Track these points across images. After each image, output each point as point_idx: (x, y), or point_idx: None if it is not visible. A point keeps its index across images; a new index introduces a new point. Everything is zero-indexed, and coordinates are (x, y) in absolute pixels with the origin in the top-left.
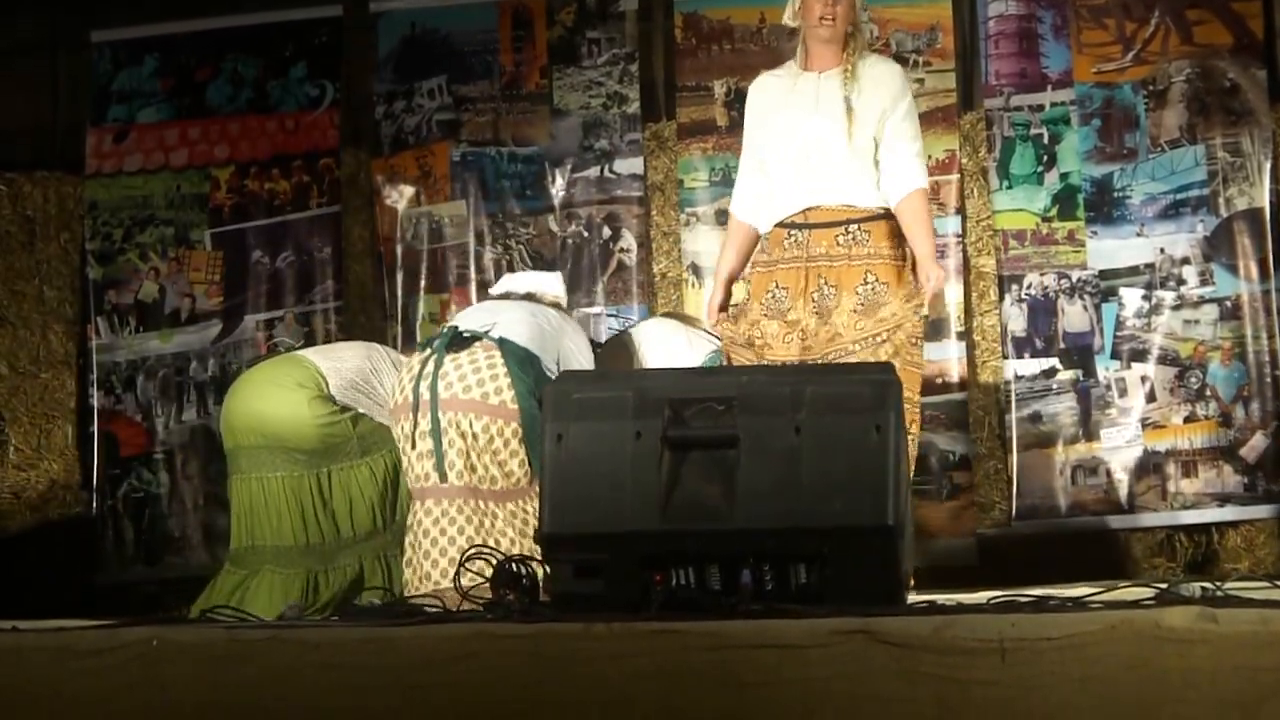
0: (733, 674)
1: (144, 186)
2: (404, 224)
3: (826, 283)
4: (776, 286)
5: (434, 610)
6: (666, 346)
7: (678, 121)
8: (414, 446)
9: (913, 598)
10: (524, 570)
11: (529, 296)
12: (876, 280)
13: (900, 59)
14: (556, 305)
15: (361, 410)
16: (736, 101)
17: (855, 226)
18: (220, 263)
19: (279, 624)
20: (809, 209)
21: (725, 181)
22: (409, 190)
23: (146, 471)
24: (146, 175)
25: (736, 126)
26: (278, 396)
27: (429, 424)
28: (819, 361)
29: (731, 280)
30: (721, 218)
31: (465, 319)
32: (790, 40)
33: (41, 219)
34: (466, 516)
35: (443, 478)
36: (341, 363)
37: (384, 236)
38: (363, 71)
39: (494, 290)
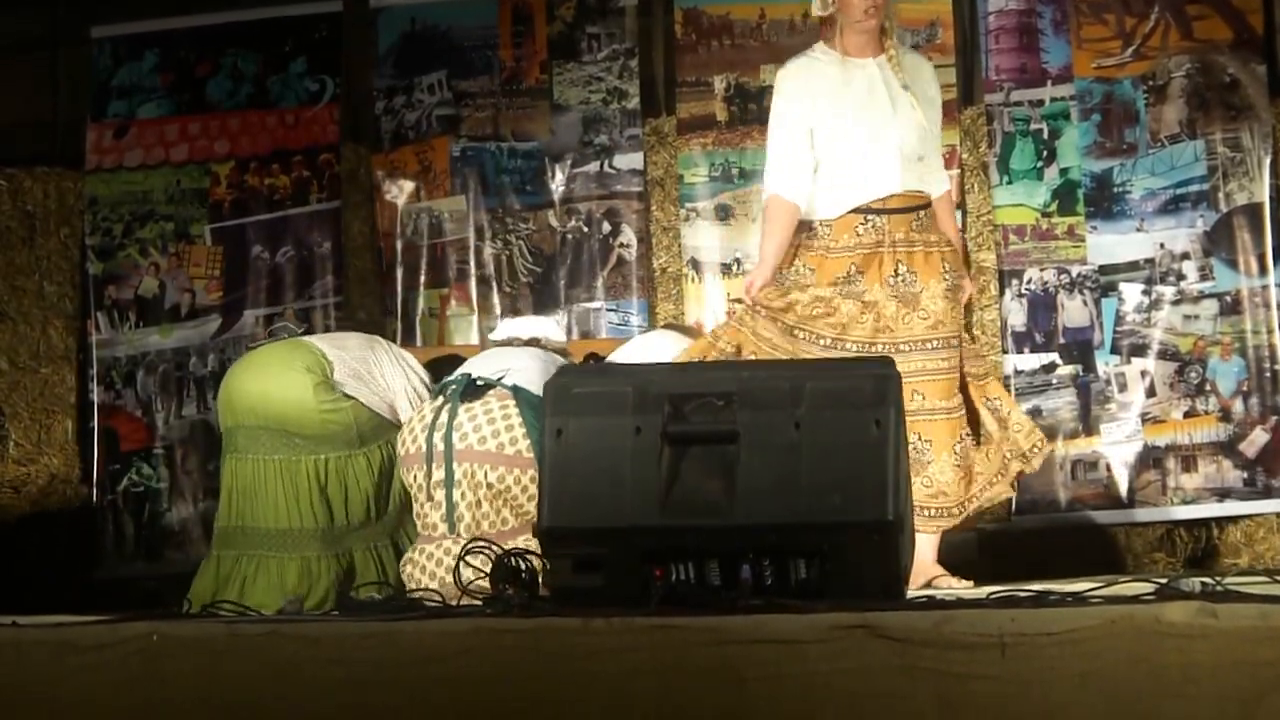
0: (732, 669)
1: (144, 182)
2: (404, 219)
3: (908, 268)
4: (853, 269)
5: (434, 605)
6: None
7: (678, 117)
8: (430, 498)
9: (912, 592)
10: (523, 565)
11: (532, 342)
12: (952, 268)
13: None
14: (561, 351)
15: (362, 400)
16: (736, 97)
17: (923, 213)
18: (220, 258)
19: (279, 619)
20: (889, 195)
21: (725, 177)
22: (409, 185)
23: (146, 466)
24: (147, 170)
25: (737, 122)
26: (283, 379)
27: (443, 475)
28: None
29: (779, 262)
30: (721, 212)
31: (477, 366)
32: (791, 35)
33: (42, 214)
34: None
35: (451, 528)
36: (345, 351)
37: (384, 232)
38: (363, 67)
39: (495, 336)
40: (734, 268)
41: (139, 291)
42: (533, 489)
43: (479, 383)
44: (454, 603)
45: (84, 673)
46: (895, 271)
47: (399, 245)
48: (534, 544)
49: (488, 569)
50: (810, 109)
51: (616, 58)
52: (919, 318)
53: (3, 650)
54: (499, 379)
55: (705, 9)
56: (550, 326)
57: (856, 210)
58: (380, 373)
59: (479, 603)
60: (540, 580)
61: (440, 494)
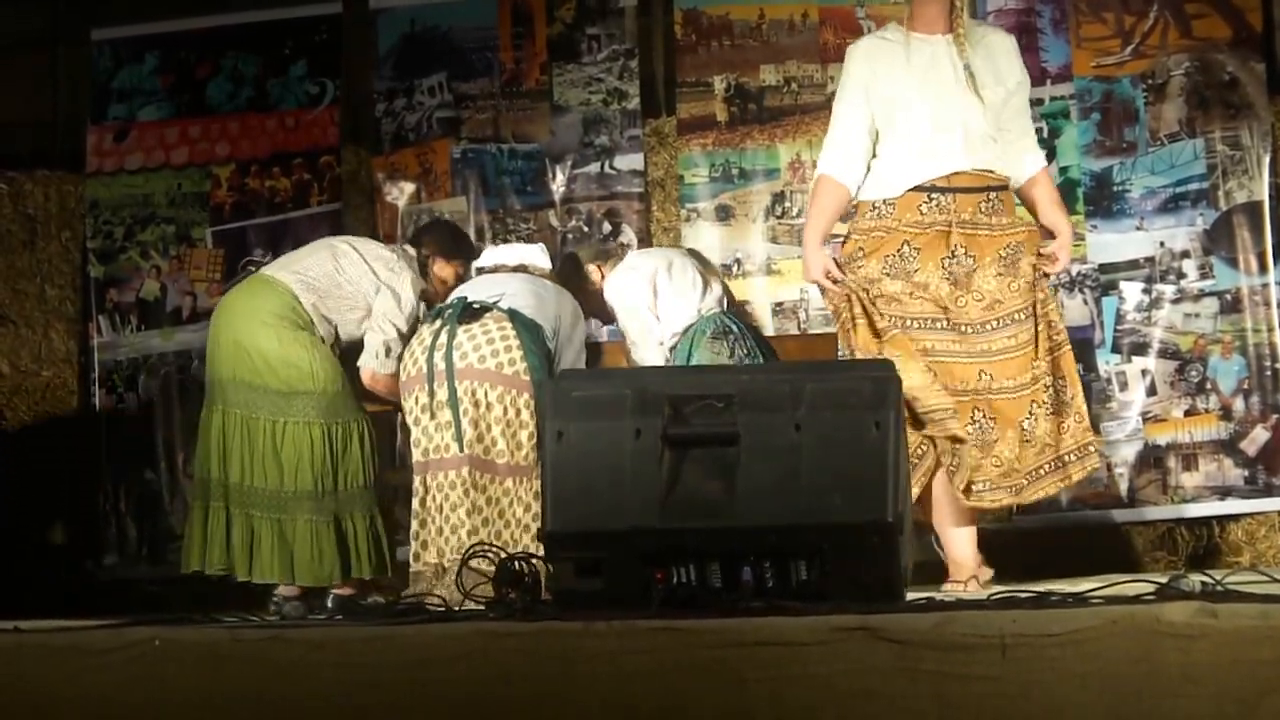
0: (734, 671)
1: (145, 185)
2: (405, 221)
3: (965, 251)
4: (908, 247)
5: (436, 609)
6: (678, 277)
7: (678, 117)
8: (433, 417)
9: (912, 594)
10: (526, 568)
11: (520, 269)
12: (1012, 248)
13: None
14: (547, 276)
15: (335, 319)
16: (736, 97)
17: (994, 194)
18: (221, 261)
19: (282, 623)
20: (953, 174)
21: (725, 177)
22: (409, 187)
23: (149, 470)
24: (147, 173)
25: (737, 122)
26: (260, 333)
27: (446, 395)
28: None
29: (824, 243)
30: (722, 213)
31: (470, 291)
32: (790, 35)
33: (43, 218)
34: (481, 488)
35: (462, 448)
36: (306, 273)
37: (385, 234)
38: (363, 69)
39: (481, 263)
40: (734, 268)
41: (140, 294)
42: (526, 415)
43: (475, 305)
44: (456, 606)
45: (86, 677)
46: (952, 253)
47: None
48: (533, 489)
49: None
50: (871, 85)
51: (616, 59)
52: (974, 299)
53: (5, 655)
54: (495, 302)
55: (705, 9)
56: (536, 253)
57: (919, 189)
58: (345, 276)
59: (481, 606)
60: (542, 584)
61: (445, 414)
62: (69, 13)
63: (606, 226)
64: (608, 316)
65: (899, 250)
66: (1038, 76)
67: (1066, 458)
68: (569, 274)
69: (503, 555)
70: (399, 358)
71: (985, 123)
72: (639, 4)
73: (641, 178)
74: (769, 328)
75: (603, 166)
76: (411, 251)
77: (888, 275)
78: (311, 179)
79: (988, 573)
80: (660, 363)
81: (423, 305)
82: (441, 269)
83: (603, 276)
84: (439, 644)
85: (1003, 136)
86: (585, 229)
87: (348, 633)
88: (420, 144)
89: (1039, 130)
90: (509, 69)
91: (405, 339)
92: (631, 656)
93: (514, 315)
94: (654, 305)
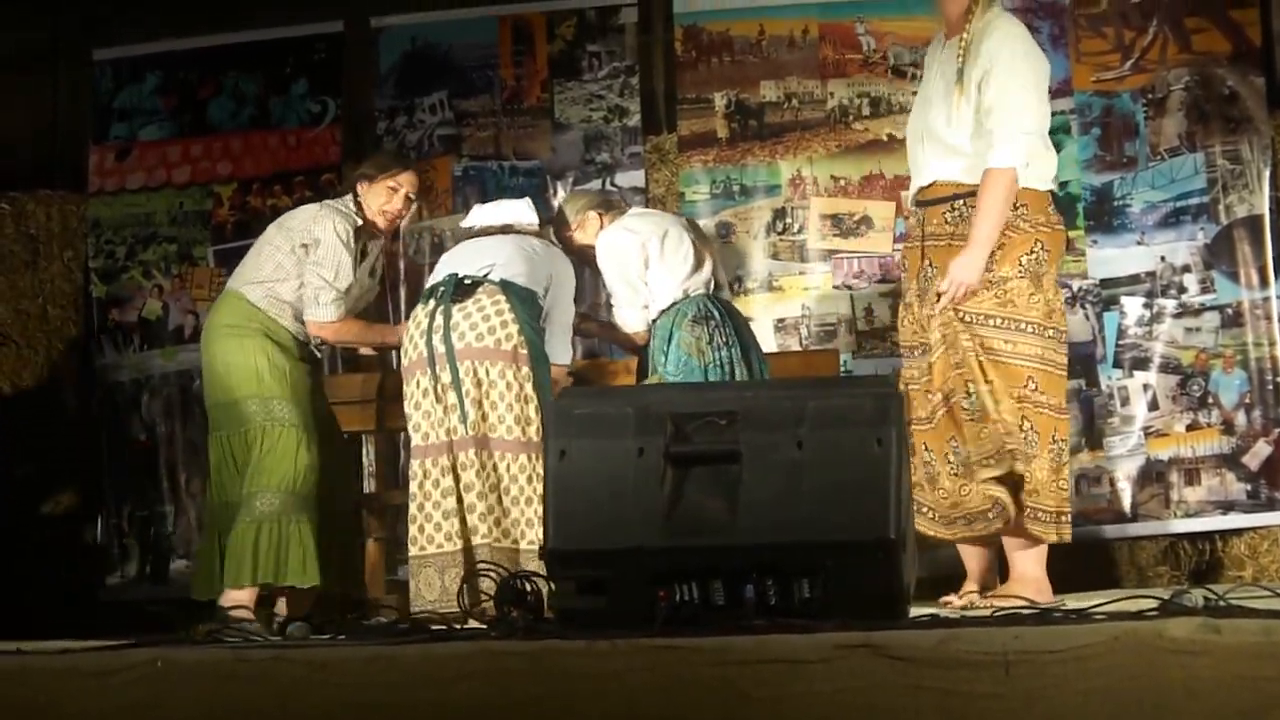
0: (737, 689)
1: (146, 204)
2: (406, 239)
3: (931, 264)
4: (903, 265)
5: (438, 628)
6: (671, 249)
7: (679, 134)
8: (437, 400)
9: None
10: (528, 587)
11: (506, 229)
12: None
13: (898, 72)
14: (535, 233)
15: (288, 299)
16: (737, 113)
17: (961, 203)
18: (223, 280)
19: (284, 644)
20: (927, 185)
21: (726, 194)
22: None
23: (151, 488)
24: (149, 193)
25: (737, 138)
26: (215, 347)
27: (449, 377)
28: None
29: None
30: (723, 230)
31: (460, 262)
32: (790, 51)
33: (44, 237)
34: (489, 468)
35: (467, 430)
36: (246, 269)
37: (387, 252)
38: (364, 87)
39: (466, 223)
40: (736, 285)
41: (142, 314)
42: (529, 389)
43: (467, 281)
44: (459, 625)
45: (89, 699)
46: (922, 268)
47: (401, 265)
48: (536, 466)
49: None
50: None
51: (617, 75)
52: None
53: (8, 677)
54: (486, 274)
55: (705, 26)
56: (522, 210)
57: (914, 203)
58: (270, 253)
59: (484, 625)
60: (545, 602)
61: (451, 396)
62: (70, 33)
63: None
64: (596, 267)
65: (903, 271)
66: None
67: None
68: (567, 216)
69: (506, 573)
70: (342, 302)
71: (957, 130)
72: (639, 21)
73: (643, 194)
74: (770, 344)
75: (604, 183)
76: (337, 203)
77: (903, 301)
78: (314, 197)
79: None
80: (641, 328)
81: (371, 246)
82: (376, 198)
83: (602, 225)
84: (441, 664)
85: (981, 143)
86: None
87: (350, 653)
88: (422, 162)
89: None
90: (510, 86)
91: (345, 282)
92: (635, 675)
93: (507, 286)
94: (643, 272)
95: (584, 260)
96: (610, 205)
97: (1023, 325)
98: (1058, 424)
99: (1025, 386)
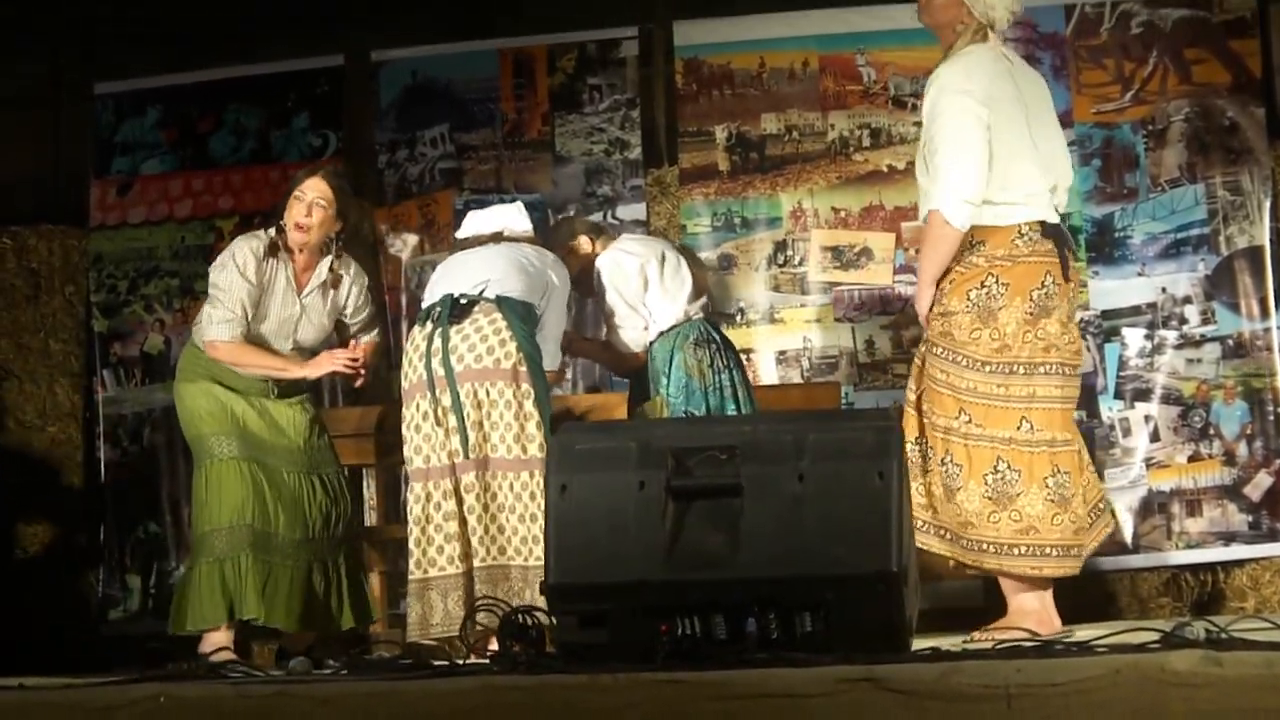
0: None
1: (148, 238)
2: (408, 273)
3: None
4: None
5: (440, 663)
6: (670, 272)
7: (680, 167)
8: (438, 424)
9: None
10: (530, 621)
11: (498, 236)
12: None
13: (899, 103)
14: (528, 240)
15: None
16: (738, 146)
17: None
18: None
19: (286, 679)
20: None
21: (727, 226)
22: (412, 239)
23: (154, 524)
24: (151, 227)
25: (738, 171)
26: (178, 396)
27: (450, 400)
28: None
29: None
30: (724, 262)
31: (453, 279)
32: (791, 84)
33: (46, 272)
34: (490, 492)
35: (466, 454)
36: (202, 313)
37: (389, 286)
38: (365, 121)
39: (461, 234)
40: (738, 317)
41: (144, 348)
42: (530, 406)
43: (463, 300)
44: (461, 659)
45: None
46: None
47: (403, 299)
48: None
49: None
50: None
51: (618, 108)
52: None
53: (10, 712)
54: (481, 292)
55: (705, 58)
56: (513, 216)
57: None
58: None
59: (486, 660)
60: (547, 637)
61: (452, 419)
62: (71, 67)
63: None
64: (587, 289)
65: None
66: None
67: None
68: (558, 240)
69: (508, 607)
70: (234, 324)
71: (921, 170)
72: (640, 54)
73: (644, 227)
74: (772, 376)
75: (605, 216)
76: (262, 229)
77: None
78: None
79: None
80: (639, 348)
81: (283, 266)
82: (289, 212)
83: (593, 249)
84: (443, 698)
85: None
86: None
87: (352, 688)
88: (423, 195)
89: None
90: (511, 120)
91: (233, 303)
92: (637, 709)
93: (502, 302)
94: (643, 294)
95: (579, 287)
96: (599, 230)
97: (958, 358)
98: (1012, 455)
99: (956, 417)
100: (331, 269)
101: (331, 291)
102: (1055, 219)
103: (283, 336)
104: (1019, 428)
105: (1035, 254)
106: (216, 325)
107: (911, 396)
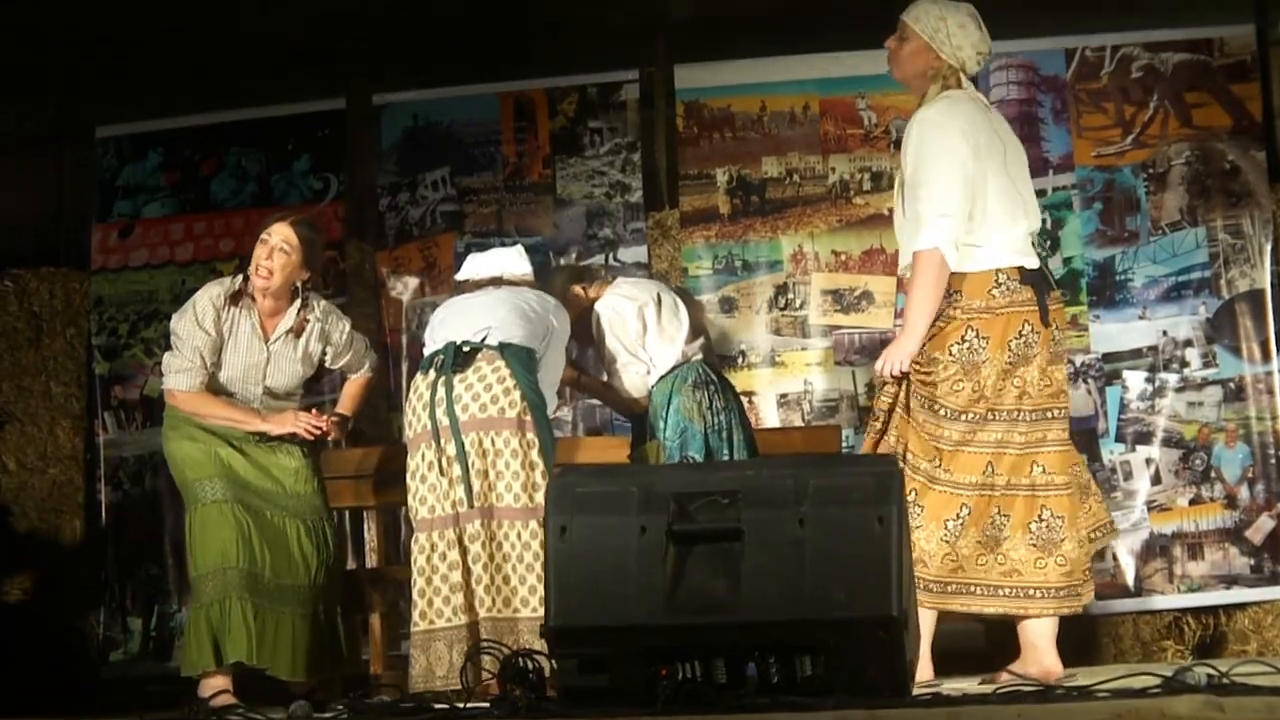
0: None
1: (149, 281)
2: (409, 314)
3: None
4: None
5: (441, 707)
6: (667, 315)
7: (680, 210)
8: (441, 474)
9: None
10: (530, 665)
11: (497, 281)
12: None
13: (899, 146)
14: (527, 283)
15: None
16: (739, 189)
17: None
18: None
19: None
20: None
21: (728, 269)
22: (413, 282)
23: (155, 566)
24: (152, 270)
25: (739, 214)
26: (165, 443)
27: (454, 449)
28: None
29: None
30: (725, 305)
31: (455, 325)
32: (791, 127)
33: (48, 315)
34: (494, 541)
35: (470, 503)
36: None
37: (390, 328)
38: (366, 164)
39: (461, 276)
40: (739, 360)
41: (145, 391)
42: (534, 455)
43: (465, 348)
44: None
45: None
46: None
47: (404, 340)
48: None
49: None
50: None
51: (619, 151)
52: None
53: None
54: (483, 339)
55: (706, 102)
56: (512, 260)
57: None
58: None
59: (486, 705)
60: (547, 681)
61: (456, 469)
62: (73, 111)
63: None
64: (586, 338)
65: None
66: (1039, 167)
67: None
68: (556, 293)
69: (508, 651)
70: (192, 373)
71: (901, 216)
72: (641, 97)
73: (645, 270)
74: (773, 419)
75: (607, 259)
76: (231, 275)
77: None
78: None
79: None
80: (641, 393)
81: (247, 313)
82: (254, 256)
83: (586, 297)
84: None
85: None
86: None
87: None
88: (424, 238)
89: (1042, 220)
90: (512, 163)
91: (190, 352)
92: None
93: (505, 350)
94: (642, 337)
95: (576, 336)
96: (592, 275)
97: (938, 408)
98: (975, 501)
99: (929, 461)
100: (299, 315)
101: (299, 339)
102: (1034, 264)
103: (251, 383)
104: (984, 472)
105: (1013, 304)
106: (175, 374)
107: (878, 429)
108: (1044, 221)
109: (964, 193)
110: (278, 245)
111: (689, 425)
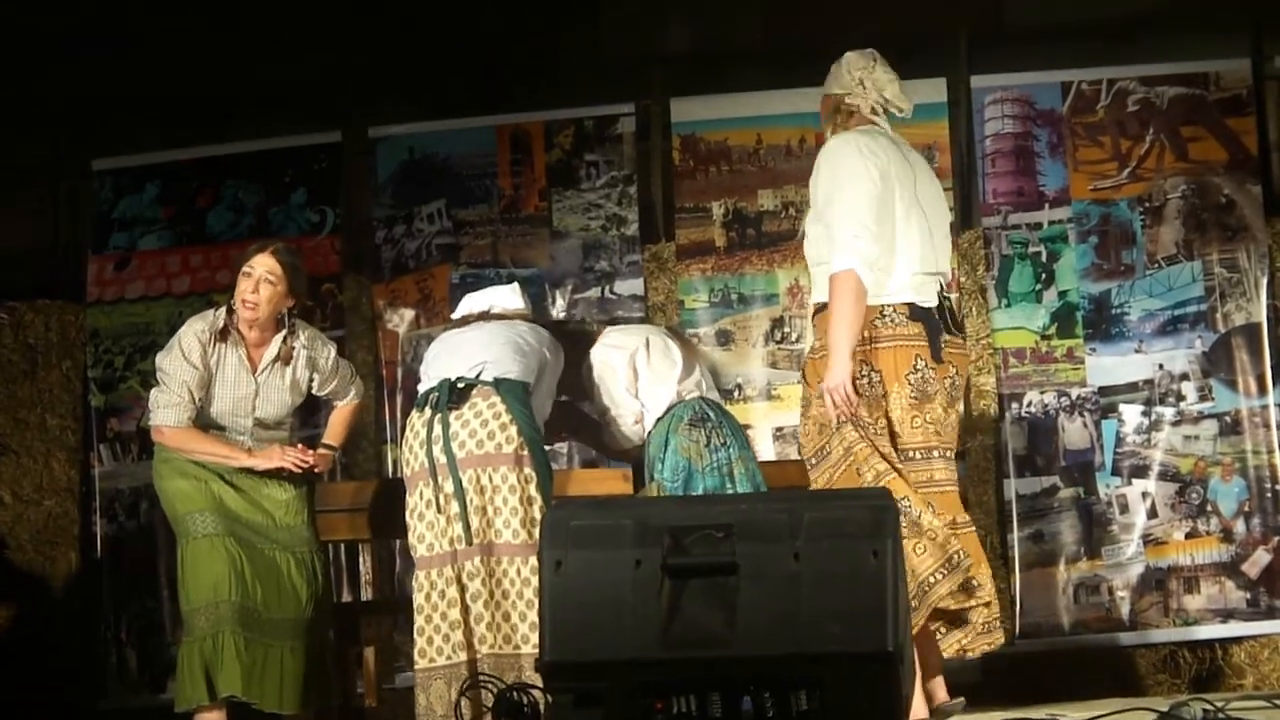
0: None
1: (146, 314)
2: (405, 347)
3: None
4: None
5: None
6: (657, 358)
7: (676, 243)
8: (439, 511)
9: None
10: (526, 700)
11: (485, 314)
12: (803, 380)
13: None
14: (521, 316)
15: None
16: (735, 222)
17: (817, 318)
18: None
19: None
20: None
21: (725, 302)
22: (409, 314)
23: (150, 598)
24: (148, 302)
25: (735, 247)
26: (156, 478)
27: (452, 487)
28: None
29: None
30: (722, 338)
31: (449, 361)
32: (788, 160)
33: (44, 347)
34: (494, 578)
35: (469, 541)
36: None
37: (386, 360)
38: (362, 197)
39: (457, 315)
40: (735, 393)
41: (141, 423)
42: (533, 490)
43: (460, 385)
44: None
45: None
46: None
47: (400, 373)
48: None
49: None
50: None
51: (615, 184)
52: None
53: None
54: (478, 375)
55: (702, 135)
56: (507, 295)
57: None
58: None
59: None
60: (542, 715)
61: (454, 506)
62: (70, 143)
63: None
64: (579, 391)
65: None
66: (1035, 200)
67: None
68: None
69: (502, 685)
70: (179, 408)
71: (810, 245)
72: (637, 130)
73: (642, 303)
74: (770, 452)
75: (603, 291)
76: (214, 309)
77: None
78: (314, 306)
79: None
80: (636, 440)
81: (221, 348)
82: (237, 289)
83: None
84: None
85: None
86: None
87: None
88: (420, 270)
89: (1038, 254)
90: (508, 195)
91: (178, 387)
92: None
93: (500, 385)
94: (633, 384)
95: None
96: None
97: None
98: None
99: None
100: (285, 344)
101: (286, 367)
102: (930, 303)
103: (241, 415)
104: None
105: (898, 337)
106: (162, 410)
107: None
108: (1039, 254)
109: (872, 211)
110: (262, 276)
111: (688, 464)
